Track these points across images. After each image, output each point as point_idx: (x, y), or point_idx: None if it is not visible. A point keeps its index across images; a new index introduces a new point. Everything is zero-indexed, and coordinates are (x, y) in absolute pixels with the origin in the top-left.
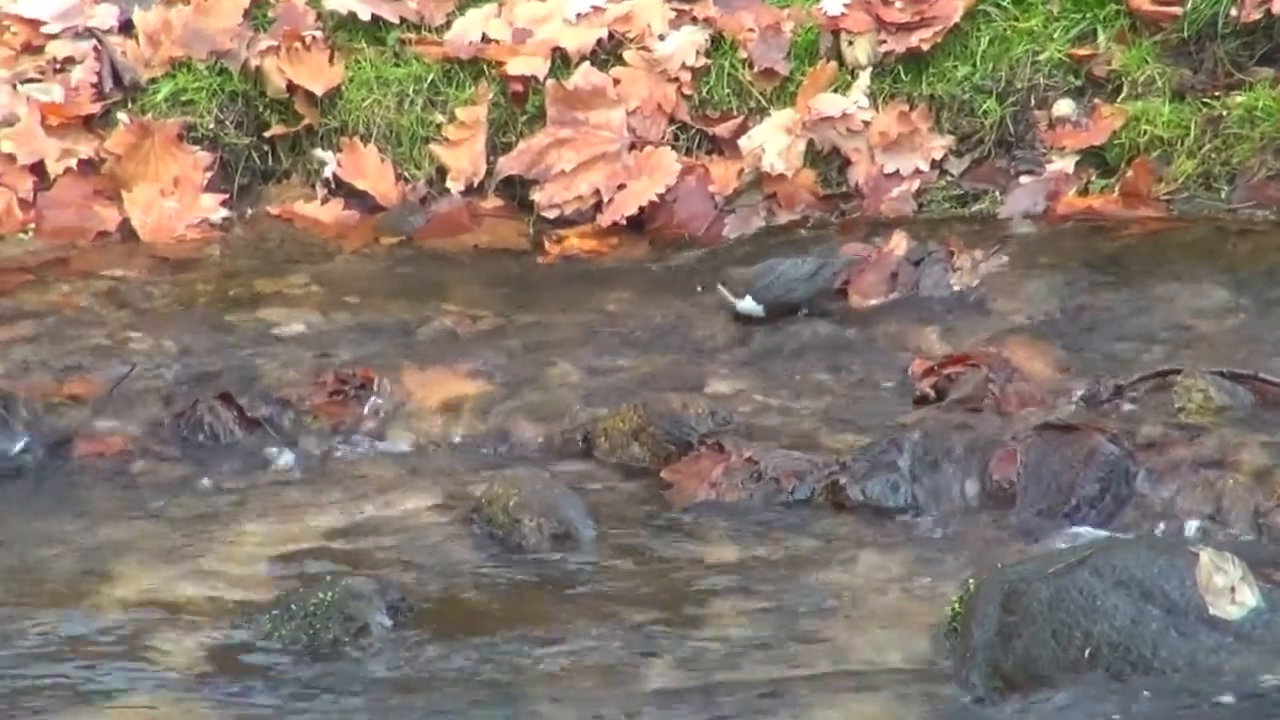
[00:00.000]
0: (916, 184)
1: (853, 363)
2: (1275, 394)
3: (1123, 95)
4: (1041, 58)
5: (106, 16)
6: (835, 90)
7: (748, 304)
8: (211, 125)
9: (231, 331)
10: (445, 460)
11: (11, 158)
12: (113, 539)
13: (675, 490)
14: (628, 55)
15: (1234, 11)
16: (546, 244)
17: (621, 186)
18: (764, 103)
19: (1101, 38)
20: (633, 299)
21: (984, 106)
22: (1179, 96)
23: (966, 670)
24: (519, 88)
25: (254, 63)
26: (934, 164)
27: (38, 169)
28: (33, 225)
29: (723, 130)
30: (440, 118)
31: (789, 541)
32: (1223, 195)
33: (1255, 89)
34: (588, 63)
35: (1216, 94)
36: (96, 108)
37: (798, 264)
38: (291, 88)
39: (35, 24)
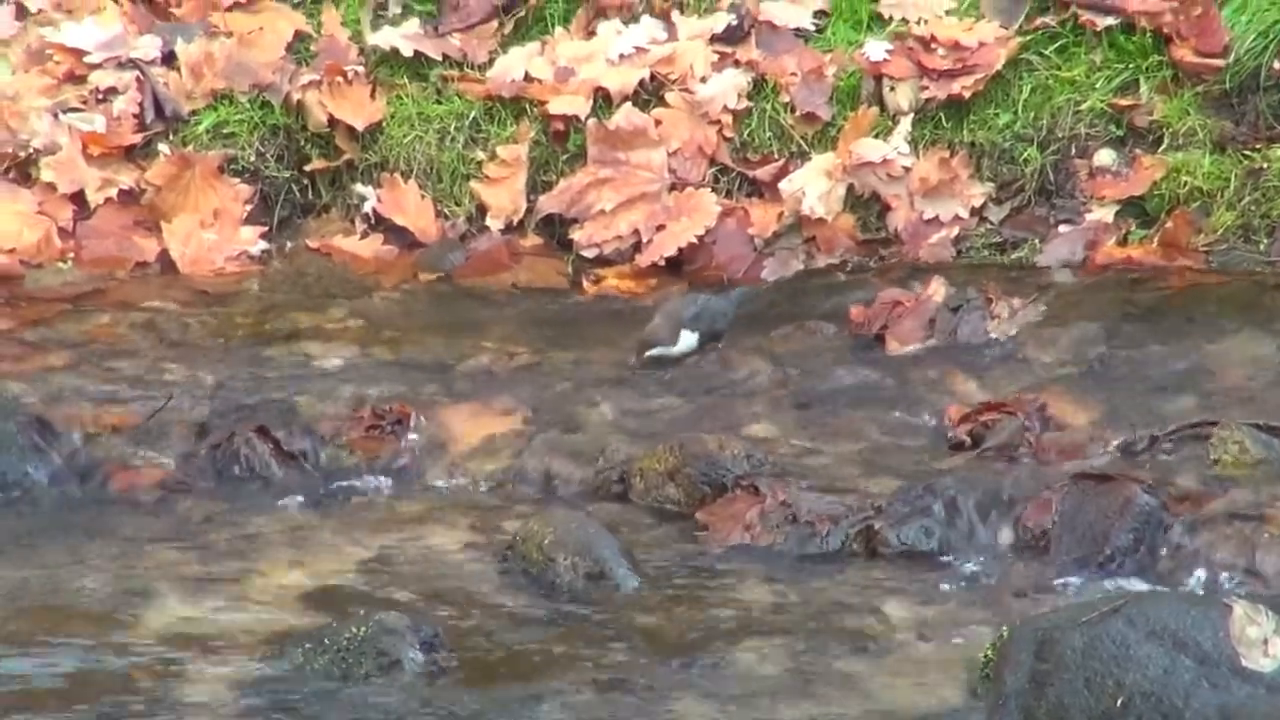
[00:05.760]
0: (956, 230)
1: (889, 408)
2: None
3: (1164, 146)
4: (1083, 107)
5: (149, 47)
6: (876, 135)
7: (687, 339)
8: (252, 158)
9: (268, 365)
10: (480, 497)
11: (52, 187)
12: (146, 569)
13: (710, 532)
14: (669, 97)
15: (1276, 64)
16: (585, 283)
17: (661, 227)
18: (805, 147)
19: (1144, 88)
20: None
21: (1025, 155)
22: (1220, 148)
23: (998, 717)
24: (560, 127)
25: (296, 96)
26: (974, 211)
27: (78, 199)
28: (72, 255)
29: (763, 173)
30: (481, 155)
31: (822, 585)
32: (1262, 248)
33: None
34: (629, 103)
35: (1258, 146)
36: (138, 138)
37: (715, 298)
38: (333, 122)
39: (78, 53)
